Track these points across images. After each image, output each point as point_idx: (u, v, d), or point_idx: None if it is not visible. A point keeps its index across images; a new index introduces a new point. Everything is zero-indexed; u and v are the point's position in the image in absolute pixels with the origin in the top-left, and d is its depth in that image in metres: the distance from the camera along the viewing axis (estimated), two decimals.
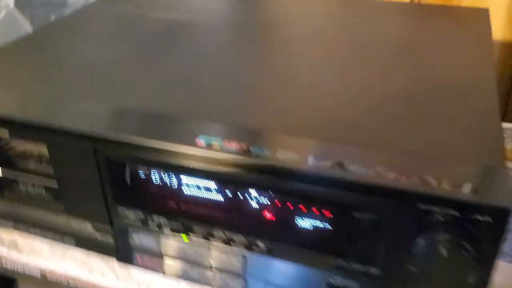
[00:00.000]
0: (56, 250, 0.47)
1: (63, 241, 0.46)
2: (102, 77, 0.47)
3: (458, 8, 0.70)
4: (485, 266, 0.31)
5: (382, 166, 0.33)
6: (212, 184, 0.38)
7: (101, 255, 0.46)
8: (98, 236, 0.44)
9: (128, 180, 0.39)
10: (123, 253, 0.44)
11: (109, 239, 0.44)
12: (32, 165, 0.43)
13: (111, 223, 0.43)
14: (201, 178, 0.38)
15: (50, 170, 0.42)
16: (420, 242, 0.32)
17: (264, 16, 0.65)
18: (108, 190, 0.40)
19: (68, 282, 0.46)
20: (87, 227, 0.44)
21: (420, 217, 0.32)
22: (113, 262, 0.45)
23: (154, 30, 0.57)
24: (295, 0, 0.70)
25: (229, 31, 0.60)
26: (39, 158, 0.42)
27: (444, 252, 0.31)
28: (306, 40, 0.56)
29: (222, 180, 0.37)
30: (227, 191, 0.38)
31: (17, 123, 0.40)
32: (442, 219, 0.31)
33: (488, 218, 0.30)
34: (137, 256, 0.43)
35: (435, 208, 0.31)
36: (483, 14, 0.63)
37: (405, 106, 0.42)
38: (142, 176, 0.39)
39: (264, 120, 0.40)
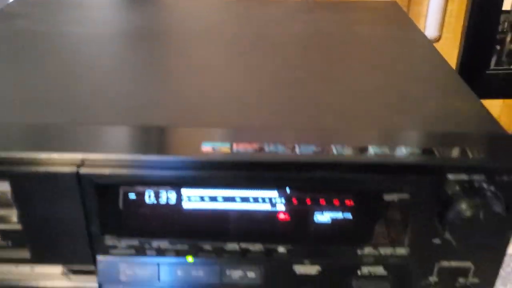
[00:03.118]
0: None
1: None
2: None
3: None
4: None
5: (400, 145, 0.34)
6: (223, 193, 0.34)
7: None
8: (77, 281, 0.37)
9: (121, 205, 0.35)
10: None
11: (91, 283, 0.37)
12: None
13: (94, 261, 0.37)
14: (210, 188, 0.34)
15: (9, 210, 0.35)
16: (450, 213, 0.32)
17: (167, 22, 0.62)
18: (94, 221, 0.35)
19: None
20: (61, 274, 0.37)
21: (450, 188, 0.32)
22: None
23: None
24: (190, 7, 0.67)
25: (132, 39, 0.56)
26: None
27: (473, 217, 0.32)
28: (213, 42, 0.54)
29: (236, 185, 0.34)
30: (241, 197, 0.35)
31: None
32: (471, 186, 0.32)
33: None
34: None
35: (464, 177, 0.32)
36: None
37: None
38: (137, 198, 0.35)
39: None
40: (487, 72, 0.87)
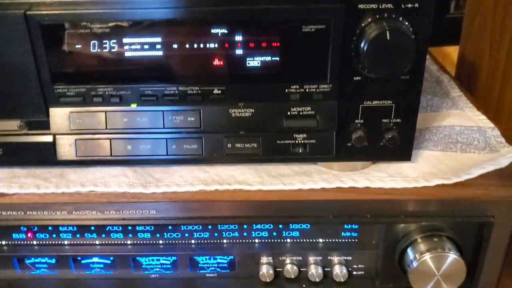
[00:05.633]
0: None
1: None
2: None
3: None
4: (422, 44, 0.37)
5: None
6: (160, 37, 0.37)
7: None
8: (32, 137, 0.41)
9: (67, 49, 0.38)
10: (62, 150, 0.41)
11: (45, 138, 0.41)
12: None
13: (47, 112, 0.40)
14: (149, 34, 0.37)
15: None
16: (361, 39, 0.36)
17: None
18: (44, 67, 0.38)
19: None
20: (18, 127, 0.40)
21: (361, 17, 0.36)
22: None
23: None
24: None
25: None
26: None
27: (387, 39, 0.35)
28: None
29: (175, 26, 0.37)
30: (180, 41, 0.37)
31: None
32: (380, 15, 0.36)
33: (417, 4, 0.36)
34: (79, 145, 0.41)
35: (374, 6, 0.36)
36: None
37: None
38: (82, 42, 0.37)
39: None
40: (447, 16, 0.90)
